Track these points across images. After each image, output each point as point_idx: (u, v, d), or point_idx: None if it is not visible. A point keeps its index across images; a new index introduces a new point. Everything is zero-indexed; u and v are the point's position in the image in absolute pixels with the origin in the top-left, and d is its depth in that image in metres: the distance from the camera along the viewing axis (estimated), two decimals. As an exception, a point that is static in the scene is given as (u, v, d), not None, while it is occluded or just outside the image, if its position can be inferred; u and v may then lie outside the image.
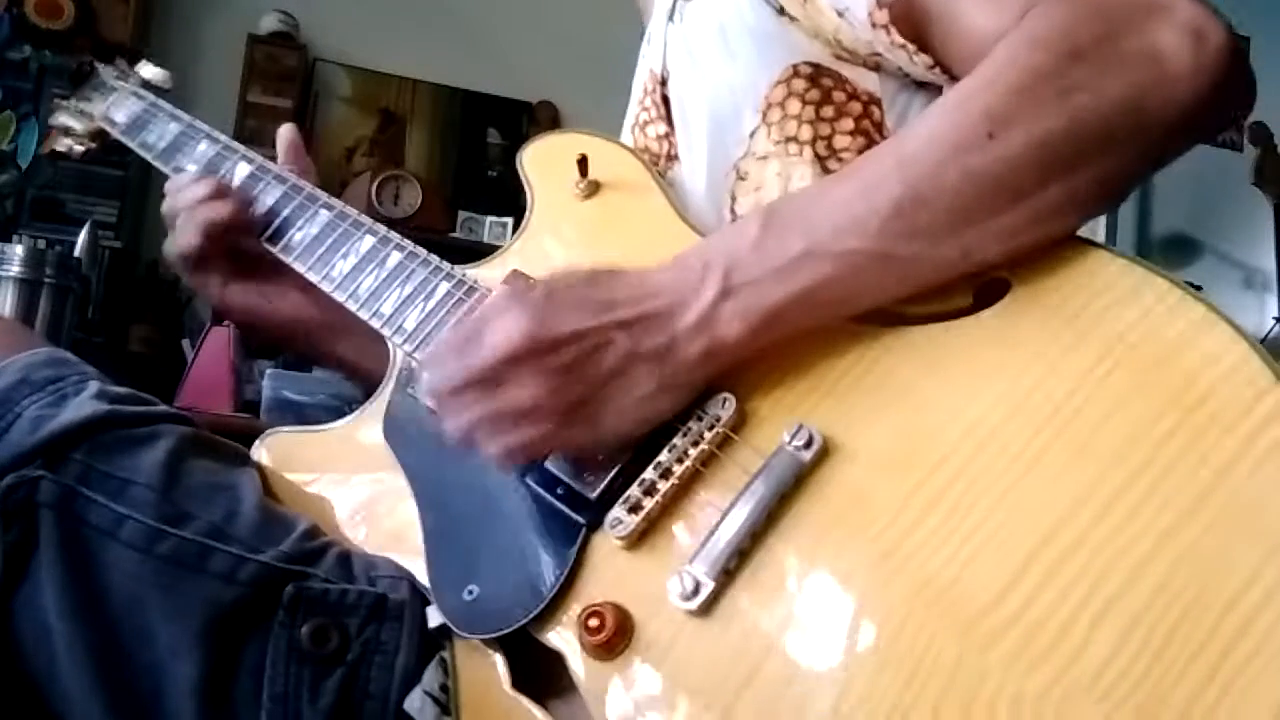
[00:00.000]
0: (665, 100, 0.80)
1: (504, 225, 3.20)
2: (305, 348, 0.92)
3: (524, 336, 0.58)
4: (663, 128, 0.80)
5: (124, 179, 2.78)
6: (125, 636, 0.61)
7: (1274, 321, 3.44)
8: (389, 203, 3.01)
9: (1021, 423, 0.54)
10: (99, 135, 1.00)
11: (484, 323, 0.60)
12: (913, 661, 0.50)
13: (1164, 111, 0.56)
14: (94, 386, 0.69)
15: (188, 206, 0.83)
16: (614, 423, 0.59)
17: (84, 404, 0.66)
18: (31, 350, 0.71)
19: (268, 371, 2.53)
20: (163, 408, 0.71)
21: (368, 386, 0.83)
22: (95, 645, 0.61)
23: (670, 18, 0.81)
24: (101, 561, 0.62)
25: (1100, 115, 0.56)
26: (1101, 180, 0.58)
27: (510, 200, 3.31)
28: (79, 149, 1.02)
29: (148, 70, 1.01)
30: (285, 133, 0.90)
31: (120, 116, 0.97)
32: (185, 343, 2.68)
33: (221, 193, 0.83)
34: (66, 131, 1.02)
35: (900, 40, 0.67)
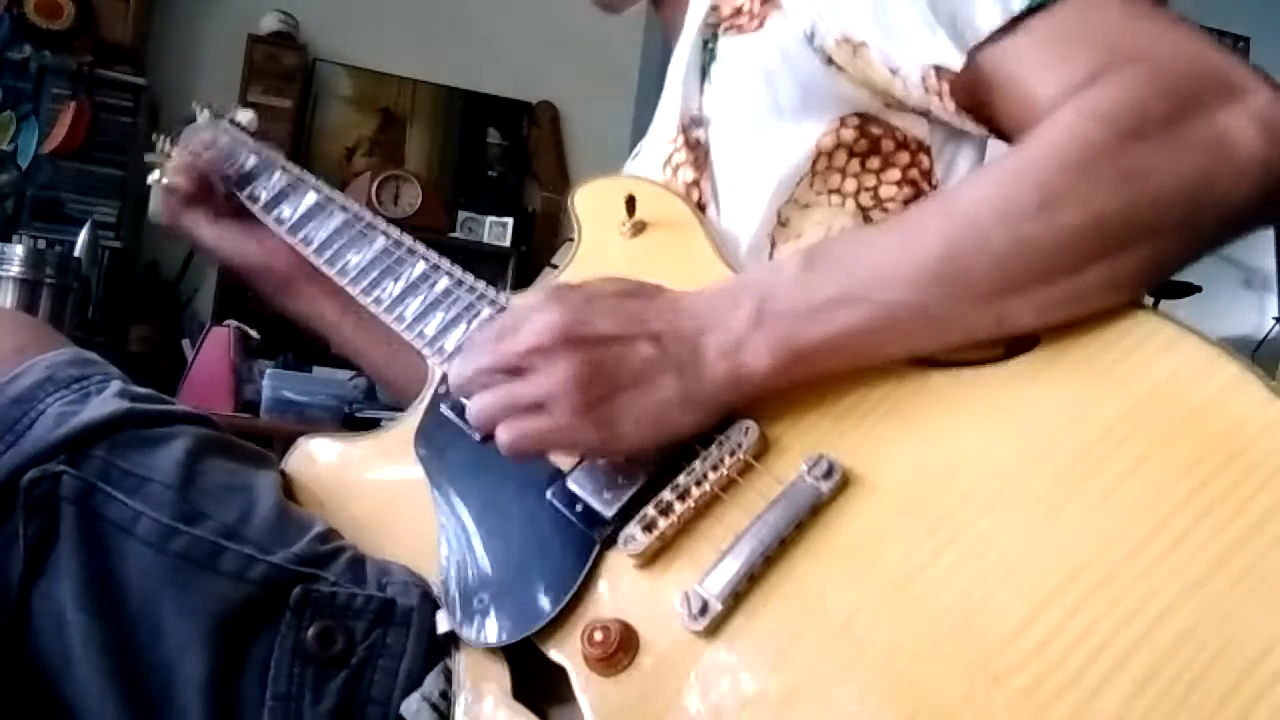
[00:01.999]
0: (697, 143, 0.78)
1: (504, 225, 3.21)
2: (282, 289, 1.01)
3: (555, 329, 0.58)
4: (691, 174, 0.78)
5: (124, 179, 2.78)
6: (138, 631, 0.62)
7: (1274, 321, 3.44)
8: (389, 203, 3.02)
9: (1046, 468, 0.53)
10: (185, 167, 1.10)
11: (521, 317, 0.61)
12: (918, 696, 0.49)
13: (1224, 202, 0.55)
14: (116, 386, 0.70)
15: (176, 163, 0.99)
16: (629, 429, 0.59)
17: (106, 402, 0.68)
18: (57, 350, 0.72)
19: (268, 371, 2.53)
20: (183, 408, 0.72)
21: (334, 338, 1.02)
22: (110, 639, 0.61)
23: (707, 54, 0.79)
24: (118, 557, 0.62)
25: (1156, 200, 0.55)
26: (1148, 264, 0.56)
27: (510, 200, 3.32)
28: (167, 181, 1.11)
29: (240, 113, 1.10)
30: None
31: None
32: (185, 343, 2.68)
33: (204, 147, 0.99)
34: (158, 165, 1.11)
35: (954, 107, 0.66)
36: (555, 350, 0.58)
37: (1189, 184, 0.54)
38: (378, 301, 0.82)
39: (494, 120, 3.37)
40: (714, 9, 0.79)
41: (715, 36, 0.78)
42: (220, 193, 1.00)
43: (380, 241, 0.87)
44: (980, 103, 0.65)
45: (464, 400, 0.64)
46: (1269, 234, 3.31)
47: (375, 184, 3.01)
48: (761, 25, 0.75)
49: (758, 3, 0.75)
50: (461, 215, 3.20)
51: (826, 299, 0.58)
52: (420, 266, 0.83)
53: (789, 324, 0.58)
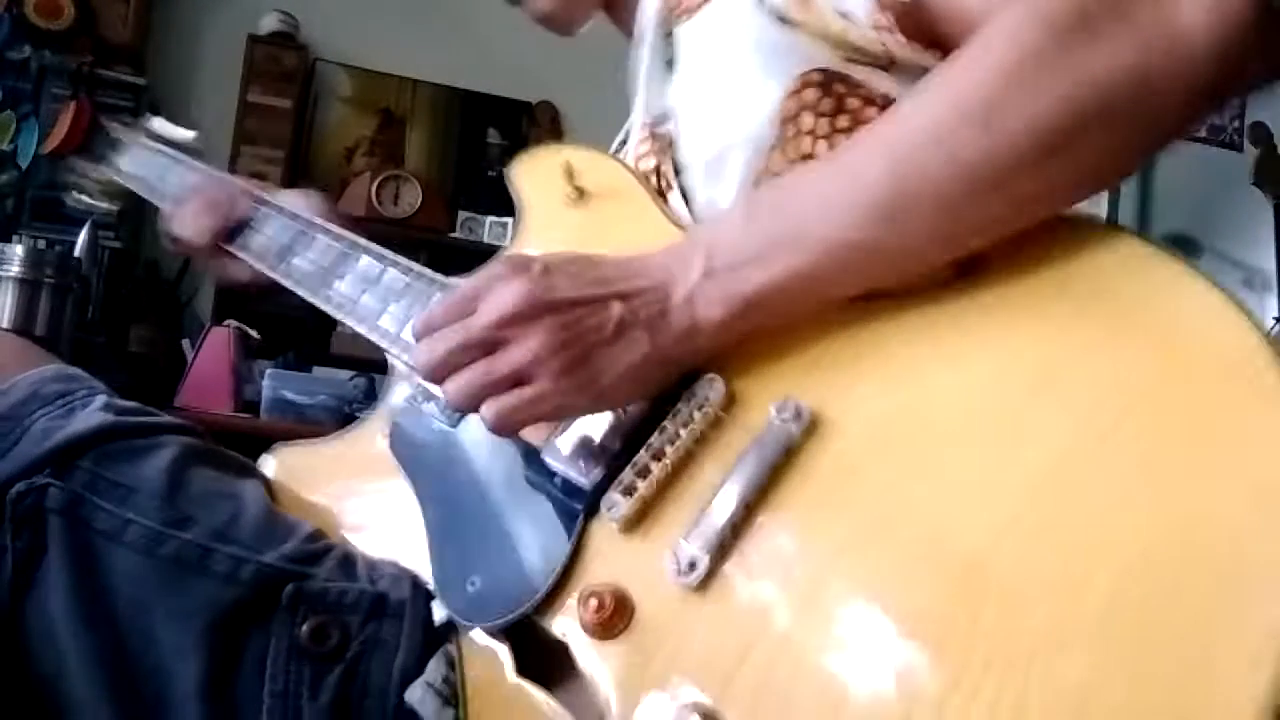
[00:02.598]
0: (664, 135, 0.78)
1: (504, 225, 3.20)
2: None
3: (523, 298, 0.58)
4: (653, 161, 0.77)
5: (124, 179, 2.77)
6: (131, 639, 0.62)
7: (1274, 321, 3.44)
8: (389, 203, 3.01)
9: (1011, 390, 0.54)
10: (112, 185, 1.09)
11: (480, 289, 0.60)
12: (910, 622, 0.50)
13: (1172, 87, 0.53)
14: (101, 399, 0.70)
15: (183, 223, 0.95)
16: (611, 385, 0.60)
17: (91, 415, 0.68)
18: (41, 367, 0.73)
19: (268, 371, 2.53)
20: (168, 419, 0.73)
21: None
22: (102, 648, 0.61)
23: (671, 46, 0.79)
24: (107, 566, 0.63)
25: (1100, 94, 0.53)
26: (1097, 163, 0.55)
27: (510, 200, 3.31)
28: (102, 206, 1.14)
29: (158, 124, 1.09)
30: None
31: (130, 166, 1.06)
32: (185, 343, 2.68)
33: (207, 206, 0.93)
34: (80, 188, 1.11)
35: (905, 40, 0.66)
36: (526, 318, 0.58)
37: (1135, 72, 0.53)
38: (328, 300, 0.81)
39: (494, 120, 3.37)
40: (665, 2, 0.79)
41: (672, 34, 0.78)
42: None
43: (322, 239, 0.85)
44: (927, 31, 0.65)
45: (433, 386, 0.63)
46: (1269, 234, 3.31)
47: (375, 184, 3.01)
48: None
49: None
50: (461, 215, 3.19)
51: (768, 244, 0.58)
52: (365, 260, 0.81)
53: (735, 273, 0.59)
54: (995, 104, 0.54)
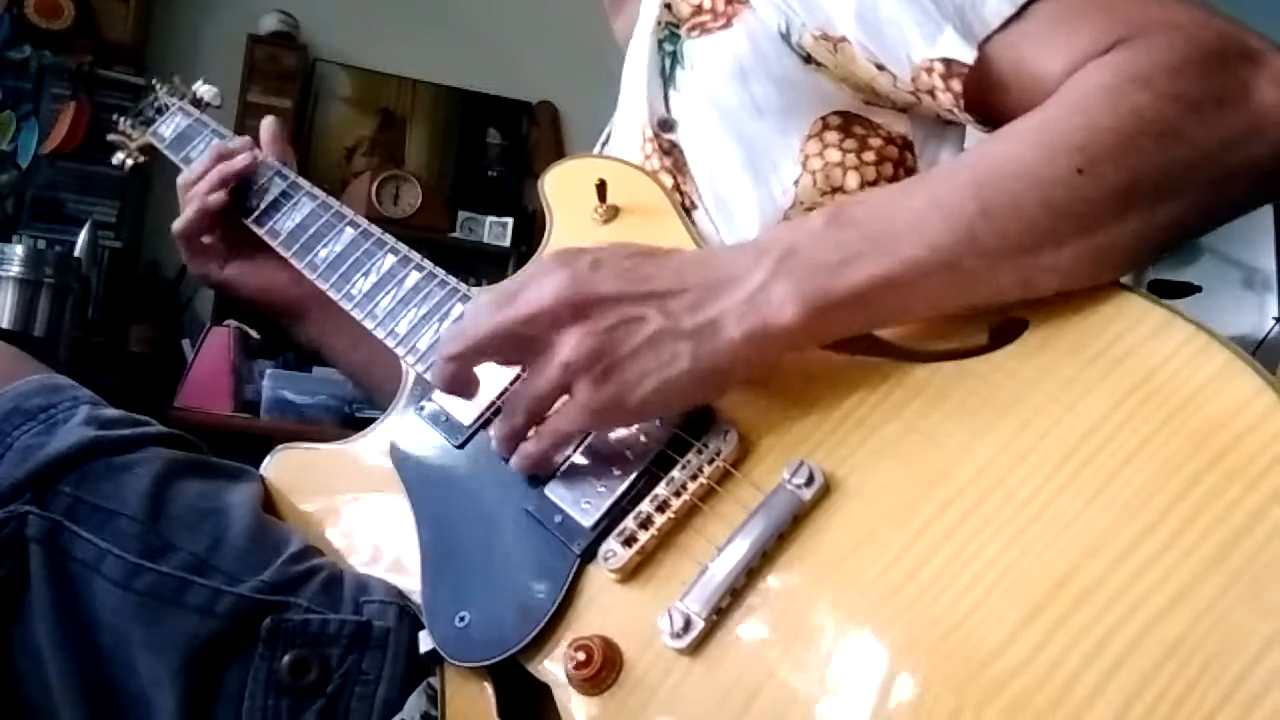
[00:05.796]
0: (671, 147, 0.75)
1: (504, 225, 3.21)
2: (290, 321, 0.99)
3: (558, 296, 0.56)
4: (670, 179, 0.75)
5: (124, 179, 2.78)
6: (112, 669, 0.61)
7: (1274, 321, 3.44)
8: (389, 203, 3.01)
9: (1034, 465, 0.52)
10: (149, 150, 1.09)
11: (524, 282, 0.58)
12: (909, 710, 0.48)
13: (1250, 164, 0.56)
14: (84, 412, 0.69)
15: (193, 193, 0.93)
16: (640, 400, 0.57)
17: (72, 431, 0.66)
18: (24, 378, 0.71)
19: (268, 371, 2.53)
20: (154, 429, 0.71)
21: (342, 368, 1.01)
22: (85, 677, 0.61)
23: (667, 56, 0.76)
24: (88, 595, 0.62)
25: (1187, 162, 0.55)
26: (1175, 225, 0.57)
27: (510, 200, 3.32)
28: (130, 162, 1.11)
29: (201, 88, 1.10)
30: (268, 124, 0.98)
31: (167, 131, 1.06)
32: (185, 343, 2.68)
33: (221, 182, 0.92)
34: (121, 146, 1.10)
35: (961, 104, 0.64)
36: (563, 316, 0.56)
37: (1221, 146, 0.55)
38: (349, 298, 0.80)
39: (494, 120, 3.37)
40: (667, 7, 0.76)
41: (676, 38, 0.75)
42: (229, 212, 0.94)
43: (348, 232, 0.84)
44: (987, 94, 0.64)
45: (449, 400, 0.62)
46: (1269, 234, 3.31)
47: (375, 184, 3.01)
48: (729, 24, 0.72)
49: (722, 1, 0.73)
50: (461, 215, 3.20)
51: (854, 250, 0.56)
52: (389, 260, 0.80)
53: (814, 274, 0.56)
54: (1094, 154, 0.55)
